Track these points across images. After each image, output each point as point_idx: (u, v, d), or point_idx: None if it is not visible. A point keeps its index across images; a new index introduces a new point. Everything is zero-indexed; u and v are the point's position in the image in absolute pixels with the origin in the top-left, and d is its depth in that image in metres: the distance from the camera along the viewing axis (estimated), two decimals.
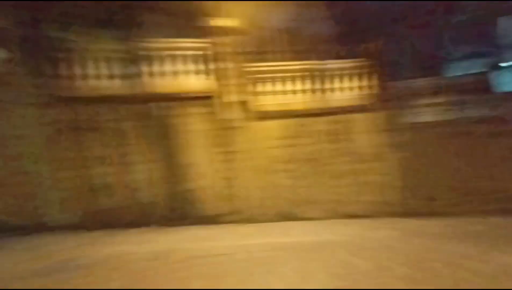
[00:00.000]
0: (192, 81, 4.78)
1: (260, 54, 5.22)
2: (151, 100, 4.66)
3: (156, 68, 4.73)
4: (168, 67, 4.76)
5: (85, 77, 4.52)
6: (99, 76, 4.56)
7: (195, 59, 4.81)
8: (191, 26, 4.93)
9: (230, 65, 4.79)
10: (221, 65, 4.77)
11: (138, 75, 4.61)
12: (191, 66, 4.80)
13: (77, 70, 4.53)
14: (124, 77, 4.60)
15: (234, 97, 4.77)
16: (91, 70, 4.54)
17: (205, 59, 4.80)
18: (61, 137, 4.44)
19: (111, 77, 4.58)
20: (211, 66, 4.77)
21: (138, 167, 4.60)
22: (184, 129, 4.71)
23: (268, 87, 5.03)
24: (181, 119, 4.71)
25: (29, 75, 4.39)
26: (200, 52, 4.81)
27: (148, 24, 5.03)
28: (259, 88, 5.01)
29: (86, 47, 4.63)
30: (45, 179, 4.40)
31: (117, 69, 4.62)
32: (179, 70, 4.77)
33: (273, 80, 5.05)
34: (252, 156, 4.80)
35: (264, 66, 5.06)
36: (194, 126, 4.73)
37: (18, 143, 4.44)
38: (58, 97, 4.39)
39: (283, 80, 5.06)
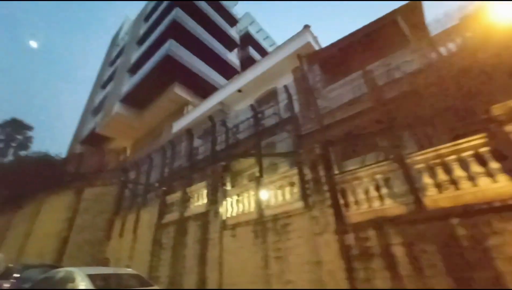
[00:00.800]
0: (487, 185, 3.71)
1: None
2: (442, 217, 3.87)
3: (434, 178, 4.22)
4: (447, 175, 4.10)
5: (365, 201, 4.80)
6: (379, 198, 4.66)
7: (484, 157, 3.92)
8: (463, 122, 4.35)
9: None
10: None
11: (419, 190, 4.24)
12: (478, 168, 3.88)
13: (356, 197, 4.92)
14: (404, 195, 4.33)
15: None
16: (369, 195, 4.79)
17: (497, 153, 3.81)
18: (353, 262, 4.38)
19: (392, 197, 4.50)
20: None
21: None
22: (499, 254, 3.31)
23: None
24: (491, 240, 3.39)
25: (322, 208, 5.10)
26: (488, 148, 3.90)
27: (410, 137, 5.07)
28: None
29: (359, 174, 4.99)
30: None
31: (395, 188, 4.53)
32: (463, 176, 3.98)
33: None
34: None
35: None
36: None
37: (313, 270, 4.76)
38: (348, 224, 4.73)
39: None
